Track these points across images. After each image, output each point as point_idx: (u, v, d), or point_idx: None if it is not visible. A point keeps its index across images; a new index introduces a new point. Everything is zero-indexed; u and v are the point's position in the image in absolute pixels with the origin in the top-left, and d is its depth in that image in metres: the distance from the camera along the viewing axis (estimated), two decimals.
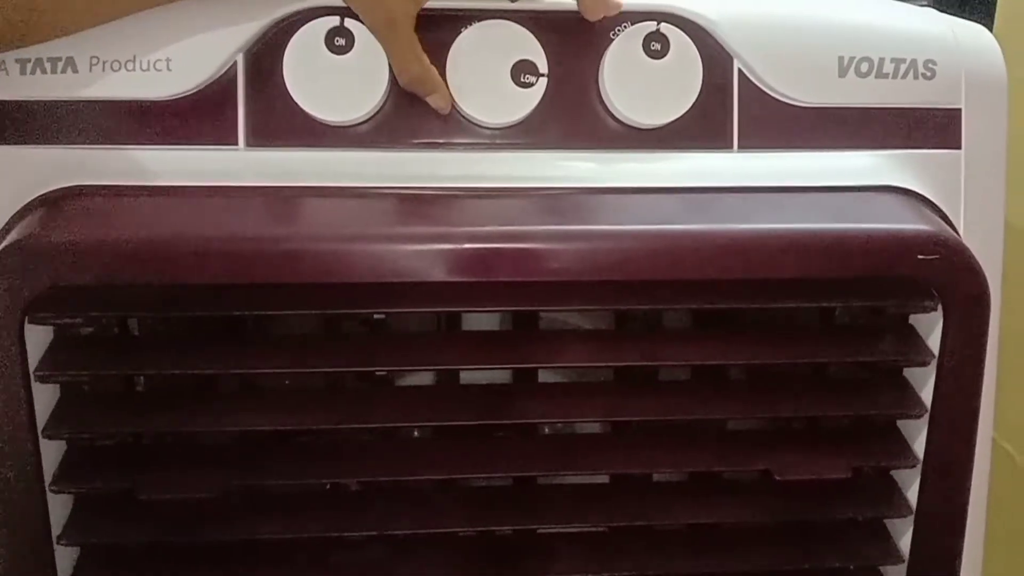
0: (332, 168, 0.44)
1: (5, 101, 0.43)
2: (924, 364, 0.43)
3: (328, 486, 0.45)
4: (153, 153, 0.43)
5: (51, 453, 0.41)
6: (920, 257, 0.41)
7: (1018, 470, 0.72)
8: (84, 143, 0.43)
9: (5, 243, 0.39)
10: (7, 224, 0.41)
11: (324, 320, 0.43)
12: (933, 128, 0.48)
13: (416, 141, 0.45)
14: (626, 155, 0.45)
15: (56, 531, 0.42)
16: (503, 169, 0.44)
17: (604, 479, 0.46)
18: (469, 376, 0.45)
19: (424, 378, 0.46)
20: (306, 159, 0.44)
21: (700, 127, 0.46)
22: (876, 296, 0.42)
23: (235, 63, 0.43)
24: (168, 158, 0.43)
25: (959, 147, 0.48)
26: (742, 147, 0.46)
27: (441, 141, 0.45)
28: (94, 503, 0.43)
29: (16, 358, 0.39)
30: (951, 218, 0.46)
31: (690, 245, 0.40)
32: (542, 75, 0.43)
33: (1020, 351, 0.54)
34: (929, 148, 0.48)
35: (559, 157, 0.45)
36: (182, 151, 0.44)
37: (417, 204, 0.42)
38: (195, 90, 0.43)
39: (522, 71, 0.43)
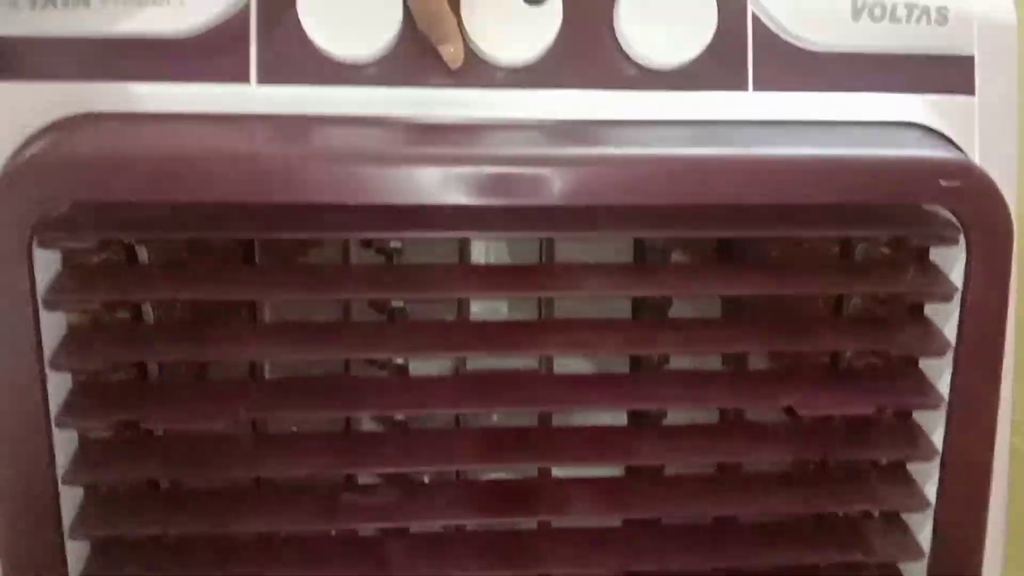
0: (345, 104, 0.43)
1: (16, 37, 0.43)
2: (947, 298, 0.43)
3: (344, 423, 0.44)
4: (164, 88, 0.43)
5: (57, 387, 0.41)
6: (943, 183, 0.40)
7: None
8: (94, 78, 0.43)
9: (16, 160, 0.38)
10: (18, 148, 0.40)
11: (340, 253, 0.42)
12: (946, 74, 0.47)
13: (430, 80, 0.44)
14: (640, 94, 0.45)
15: (61, 471, 0.41)
16: (518, 106, 0.44)
17: (621, 421, 0.45)
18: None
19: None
20: (318, 95, 0.43)
21: (715, 68, 0.45)
22: (897, 227, 0.42)
23: None
24: (178, 92, 0.43)
25: (972, 93, 0.48)
26: (757, 88, 0.46)
27: (454, 80, 0.44)
28: (99, 444, 0.42)
29: (25, 282, 0.38)
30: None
31: (709, 169, 0.40)
32: None
33: None
34: (943, 93, 0.47)
35: (573, 96, 0.45)
36: (193, 87, 0.43)
37: (433, 131, 0.41)
38: (208, 26, 0.43)
39: None
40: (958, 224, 0.42)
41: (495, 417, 0.50)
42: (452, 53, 0.43)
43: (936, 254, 0.44)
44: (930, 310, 0.45)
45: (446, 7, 0.42)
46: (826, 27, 0.46)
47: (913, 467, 0.45)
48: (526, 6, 0.43)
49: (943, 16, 0.48)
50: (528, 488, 0.44)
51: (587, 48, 0.45)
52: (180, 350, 0.40)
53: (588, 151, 0.40)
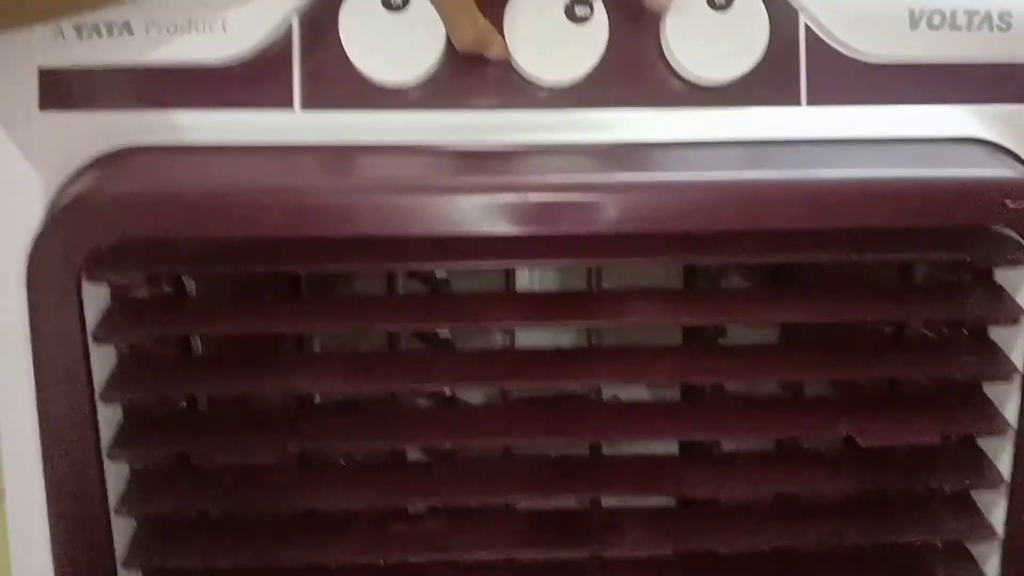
0: (388, 128, 0.43)
1: (61, 67, 0.43)
2: (1014, 321, 0.41)
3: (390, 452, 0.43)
4: (208, 116, 0.43)
5: (108, 421, 0.41)
6: (1009, 204, 0.39)
7: None
8: (140, 107, 0.43)
9: (64, 198, 0.38)
10: (65, 183, 0.40)
11: (385, 283, 0.42)
12: (1011, 84, 0.45)
13: (474, 102, 0.43)
14: (690, 112, 0.44)
15: (113, 503, 0.41)
16: (563, 127, 0.43)
17: (674, 450, 0.44)
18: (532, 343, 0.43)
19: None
20: (362, 120, 0.43)
21: (767, 83, 0.44)
22: (960, 248, 0.40)
23: (290, 25, 0.43)
24: (223, 120, 0.43)
25: None
26: (811, 103, 0.44)
27: (499, 102, 0.44)
28: (150, 476, 0.42)
29: (75, 316, 0.38)
30: None
31: (763, 195, 0.38)
32: (594, 6, 0.41)
33: None
34: (1007, 103, 0.46)
35: (620, 115, 0.44)
36: (237, 114, 0.43)
37: (478, 159, 0.41)
38: (250, 53, 0.43)
39: (575, 4, 0.42)
40: None
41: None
42: (499, 52, 0.42)
43: (1001, 275, 0.42)
44: (996, 332, 0.43)
45: (483, 26, 0.41)
46: (882, 37, 0.44)
47: (979, 495, 0.44)
48: (571, 24, 0.42)
49: (1006, 22, 0.45)
50: (578, 518, 0.43)
51: (634, 66, 0.43)
52: (229, 382, 0.40)
53: (637, 177, 0.39)
